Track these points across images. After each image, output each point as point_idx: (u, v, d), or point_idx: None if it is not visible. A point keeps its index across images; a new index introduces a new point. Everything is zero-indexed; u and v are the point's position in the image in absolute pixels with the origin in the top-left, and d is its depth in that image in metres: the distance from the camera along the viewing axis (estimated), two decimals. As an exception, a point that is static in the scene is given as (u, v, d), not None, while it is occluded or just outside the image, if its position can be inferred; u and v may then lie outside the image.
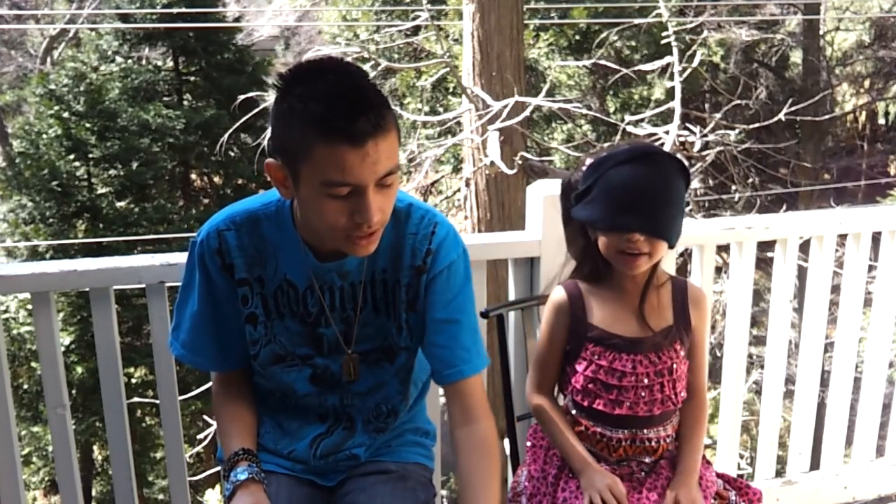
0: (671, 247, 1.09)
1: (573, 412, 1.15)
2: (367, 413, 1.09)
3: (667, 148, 4.16)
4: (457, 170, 6.68)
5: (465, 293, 1.04)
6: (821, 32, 7.79)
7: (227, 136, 5.43)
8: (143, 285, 1.30)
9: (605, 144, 1.30)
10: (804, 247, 1.67)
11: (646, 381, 1.10)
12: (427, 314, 1.03)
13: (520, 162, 3.95)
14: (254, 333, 1.04)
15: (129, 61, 7.40)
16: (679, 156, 1.17)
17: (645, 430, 1.11)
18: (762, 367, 1.76)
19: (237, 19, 8.83)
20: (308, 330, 1.03)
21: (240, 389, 1.09)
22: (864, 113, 9.30)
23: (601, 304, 1.12)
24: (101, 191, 6.51)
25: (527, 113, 4.09)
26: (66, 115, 6.39)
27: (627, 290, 1.12)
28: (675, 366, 1.11)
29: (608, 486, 1.06)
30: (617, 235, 1.06)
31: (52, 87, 6.48)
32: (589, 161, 1.10)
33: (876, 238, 1.67)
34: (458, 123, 4.80)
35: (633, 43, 6.48)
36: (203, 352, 1.06)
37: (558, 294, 1.16)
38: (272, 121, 0.93)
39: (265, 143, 5.17)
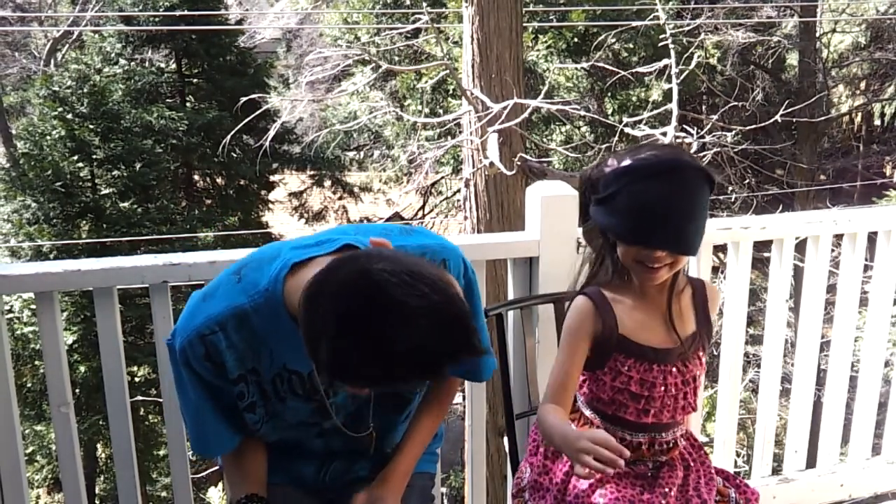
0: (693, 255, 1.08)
1: (588, 414, 1.13)
2: (377, 454, 1.08)
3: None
4: (456, 171, 6.70)
5: (475, 302, 1.03)
6: (817, 34, 7.79)
7: (229, 137, 5.46)
8: (146, 285, 1.32)
9: (634, 145, 1.22)
10: (800, 247, 1.68)
11: (673, 390, 1.09)
12: None
13: (519, 163, 3.97)
14: (254, 416, 1.00)
15: (132, 63, 7.43)
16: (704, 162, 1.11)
17: (664, 434, 1.12)
18: (759, 365, 1.77)
19: (239, 22, 8.87)
20: (316, 405, 0.99)
21: (246, 441, 1.04)
22: (860, 114, 9.30)
23: (627, 313, 1.09)
24: (104, 191, 6.53)
25: (526, 114, 4.11)
26: (69, 116, 6.42)
27: (651, 296, 1.09)
28: (697, 373, 1.11)
29: (588, 442, 0.95)
30: (638, 249, 1.04)
31: (56, 88, 6.51)
32: (612, 163, 1.05)
33: (872, 238, 1.69)
34: (458, 125, 4.82)
35: (631, 45, 6.50)
36: (225, 439, 1.01)
37: (583, 302, 1.10)
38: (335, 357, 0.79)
39: (267, 145, 5.18)
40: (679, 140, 3.98)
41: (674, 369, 1.09)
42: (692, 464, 1.16)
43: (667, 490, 1.10)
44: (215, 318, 0.92)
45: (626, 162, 1.04)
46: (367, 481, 1.07)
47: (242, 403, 0.98)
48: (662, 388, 1.08)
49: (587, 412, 1.14)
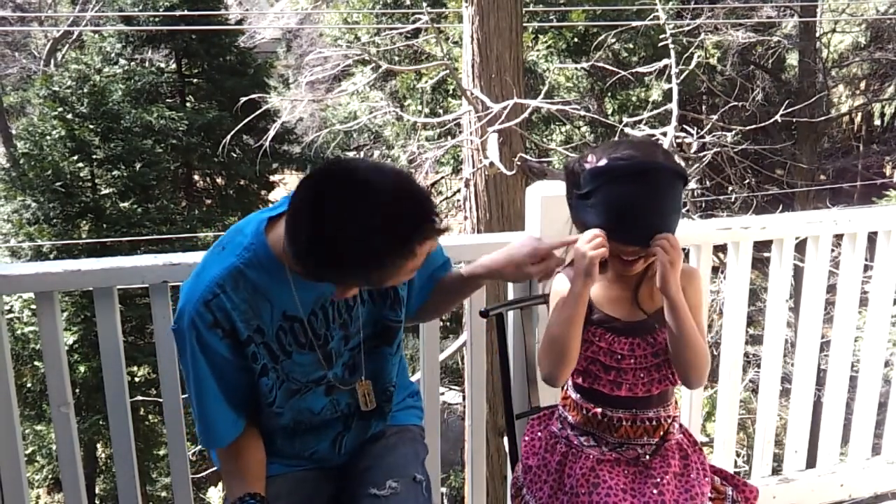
0: None
1: (574, 396, 1.18)
2: (378, 399, 1.13)
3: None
4: (456, 171, 6.71)
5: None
6: (817, 34, 7.80)
7: (229, 137, 5.47)
8: (146, 285, 1.32)
9: (612, 140, 1.24)
10: (800, 247, 1.69)
11: (644, 362, 1.13)
12: (422, 273, 1.10)
13: (519, 163, 3.97)
14: (268, 381, 1.03)
15: (132, 63, 7.45)
16: (677, 158, 1.15)
17: (644, 410, 1.14)
18: (759, 365, 1.77)
19: (239, 22, 8.88)
20: (320, 353, 1.04)
21: (246, 432, 1.05)
22: (859, 114, 9.31)
23: (599, 289, 1.16)
24: (104, 191, 6.54)
25: (526, 115, 4.11)
26: (69, 116, 6.42)
27: (623, 278, 1.15)
28: (670, 346, 1.14)
29: (585, 246, 1.06)
30: (614, 244, 1.10)
31: (56, 88, 6.52)
32: (591, 160, 1.10)
33: (872, 238, 1.69)
34: (458, 125, 4.82)
35: (631, 45, 6.50)
36: (230, 424, 1.03)
37: (562, 281, 1.18)
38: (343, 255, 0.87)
39: (267, 145, 5.19)
40: (679, 139, 3.98)
41: (642, 342, 1.13)
42: (690, 455, 1.17)
43: (658, 480, 1.12)
44: (214, 281, 0.97)
45: (603, 162, 1.09)
46: (378, 438, 1.14)
47: (257, 366, 1.01)
48: (632, 360, 1.13)
49: (573, 395, 1.19)
